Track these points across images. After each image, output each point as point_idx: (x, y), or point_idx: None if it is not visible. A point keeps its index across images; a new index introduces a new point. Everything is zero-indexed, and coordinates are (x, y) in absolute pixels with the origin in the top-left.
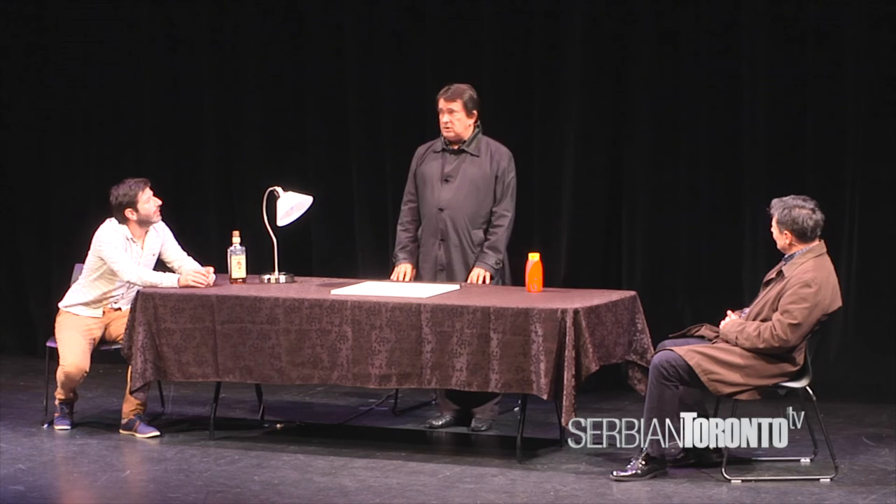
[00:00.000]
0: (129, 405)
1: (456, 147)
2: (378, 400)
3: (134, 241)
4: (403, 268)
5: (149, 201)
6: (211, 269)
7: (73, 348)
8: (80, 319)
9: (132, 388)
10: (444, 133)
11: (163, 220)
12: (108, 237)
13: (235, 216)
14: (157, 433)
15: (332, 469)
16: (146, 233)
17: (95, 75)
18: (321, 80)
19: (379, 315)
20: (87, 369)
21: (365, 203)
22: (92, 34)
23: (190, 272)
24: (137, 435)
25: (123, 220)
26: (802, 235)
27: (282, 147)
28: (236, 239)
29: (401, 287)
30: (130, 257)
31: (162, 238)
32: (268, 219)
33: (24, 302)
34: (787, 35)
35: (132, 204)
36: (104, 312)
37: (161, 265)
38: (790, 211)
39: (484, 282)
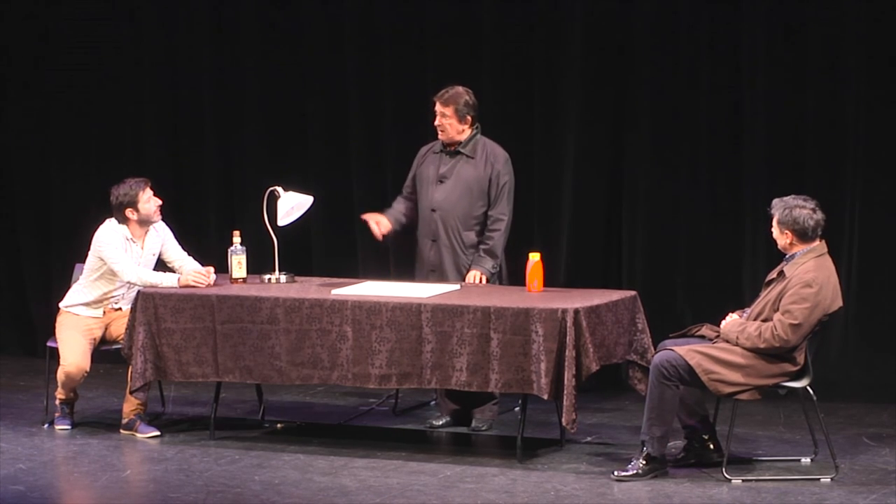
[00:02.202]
0: (130, 405)
1: (452, 148)
2: (378, 400)
3: (134, 241)
4: (378, 216)
5: (149, 201)
6: (211, 269)
7: (73, 348)
8: (81, 319)
9: (132, 388)
10: (439, 135)
11: (163, 219)
12: (108, 237)
13: (235, 216)
14: (158, 433)
15: (333, 469)
16: (146, 233)
17: (95, 75)
18: (321, 80)
19: (379, 315)
20: (88, 369)
21: (365, 203)
22: (92, 34)
23: (190, 272)
24: (138, 435)
25: (124, 219)
26: (803, 235)
27: (282, 147)
28: (236, 239)
29: (401, 287)
30: (130, 257)
31: (162, 238)
32: (268, 219)
33: (24, 302)
34: (788, 35)
35: (133, 204)
36: (105, 312)
37: (161, 265)
38: (791, 211)
39: (480, 282)
